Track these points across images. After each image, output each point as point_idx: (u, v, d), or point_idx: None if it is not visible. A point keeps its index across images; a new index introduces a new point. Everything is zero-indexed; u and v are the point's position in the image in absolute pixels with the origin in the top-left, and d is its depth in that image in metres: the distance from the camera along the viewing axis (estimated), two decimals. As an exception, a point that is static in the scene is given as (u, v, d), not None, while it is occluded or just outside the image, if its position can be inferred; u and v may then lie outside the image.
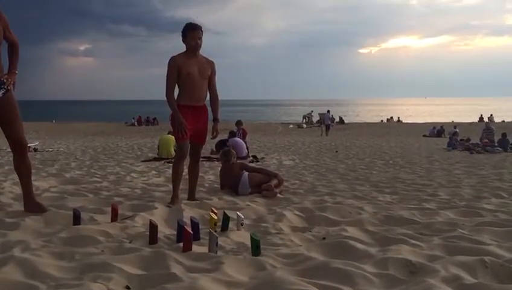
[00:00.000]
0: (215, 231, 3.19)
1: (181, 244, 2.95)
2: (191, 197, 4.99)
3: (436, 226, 3.73)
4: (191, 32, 4.62)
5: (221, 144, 11.34)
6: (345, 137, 25.06)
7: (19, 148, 3.98)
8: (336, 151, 13.98)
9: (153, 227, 3.16)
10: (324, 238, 3.33)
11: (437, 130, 27.68)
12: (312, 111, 44.09)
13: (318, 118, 37.66)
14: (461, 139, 17.71)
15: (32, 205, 4.05)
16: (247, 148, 11.96)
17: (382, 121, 46.07)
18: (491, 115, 40.59)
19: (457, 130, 22.13)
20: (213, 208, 3.93)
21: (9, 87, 3.78)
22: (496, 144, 16.04)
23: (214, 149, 11.55)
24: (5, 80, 3.74)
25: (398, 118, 46.22)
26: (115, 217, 3.82)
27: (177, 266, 2.59)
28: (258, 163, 10.05)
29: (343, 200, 5.12)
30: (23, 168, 4.04)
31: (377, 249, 2.97)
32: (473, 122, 36.77)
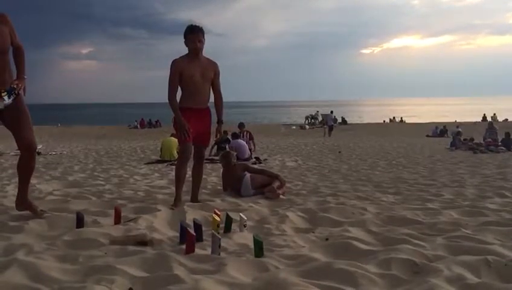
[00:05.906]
0: (218, 233, 3.19)
1: (184, 246, 2.96)
2: (194, 199, 4.99)
3: (440, 226, 3.72)
4: (191, 35, 4.60)
5: (222, 145, 11.53)
6: (348, 138, 25.02)
7: (29, 152, 3.98)
8: (339, 152, 13.96)
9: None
10: (327, 239, 3.33)
11: (440, 130, 27.63)
12: (318, 111, 44.00)
13: (321, 119, 37.66)
14: (464, 139, 17.66)
15: (25, 205, 4.05)
16: (251, 149, 11.98)
17: (385, 121, 46.01)
18: (494, 114, 40.46)
19: (460, 129, 22.09)
20: (216, 210, 3.94)
21: (19, 92, 3.80)
22: (500, 144, 16.00)
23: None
24: (15, 86, 3.76)
25: (401, 118, 46.16)
26: (118, 219, 3.83)
27: (180, 267, 2.59)
28: (261, 164, 10.05)
29: (346, 201, 5.11)
30: (27, 169, 4.04)
31: (380, 249, 2.97)
32: (476, 122, 36.66)
